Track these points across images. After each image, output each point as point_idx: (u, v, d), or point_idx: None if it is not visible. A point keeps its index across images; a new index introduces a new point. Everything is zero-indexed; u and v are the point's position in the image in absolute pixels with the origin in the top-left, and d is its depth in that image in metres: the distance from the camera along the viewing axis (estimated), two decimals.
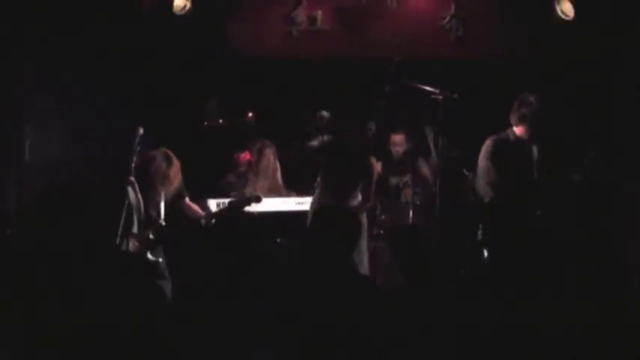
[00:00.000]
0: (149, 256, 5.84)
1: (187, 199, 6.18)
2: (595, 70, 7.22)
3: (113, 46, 7.14)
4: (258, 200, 6.41)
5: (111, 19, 7.06)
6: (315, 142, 6.19)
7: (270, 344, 2.70)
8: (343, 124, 6.17)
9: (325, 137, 6.11)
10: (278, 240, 7.35)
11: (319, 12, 8.01)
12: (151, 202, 5.90)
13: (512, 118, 6.29)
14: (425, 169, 7.74)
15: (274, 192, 6.97)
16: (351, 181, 6.18)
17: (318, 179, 6.39)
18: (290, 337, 2.50)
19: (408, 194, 7.53)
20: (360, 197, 6.26)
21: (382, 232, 7.32)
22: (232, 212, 6.35)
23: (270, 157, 6.97)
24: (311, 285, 2.46)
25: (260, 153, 6.96)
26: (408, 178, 7.60)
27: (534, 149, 6.27)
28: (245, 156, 6.98)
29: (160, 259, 5.93)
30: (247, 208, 6.50)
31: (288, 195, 6.98)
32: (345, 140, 6.15)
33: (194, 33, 7.71)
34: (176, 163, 5.90)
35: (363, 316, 2.93)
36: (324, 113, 6.01)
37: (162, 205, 5.94)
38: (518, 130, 6.30)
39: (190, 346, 3.40)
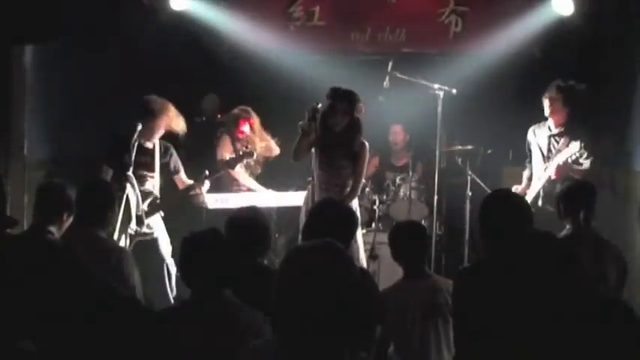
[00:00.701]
0: (144, 229, 5.97)
1: (182, 175, 6.36)
2: (595, 65, 7.21)
3: (112, 43, 7.13)
4: (250, 155, 6.46)
5: (110, 16, 7.05)
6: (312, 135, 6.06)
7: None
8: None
9: (316, 127, 5.92)
10: (276, 235, 7.37)
11: (317, 7, 8.00)
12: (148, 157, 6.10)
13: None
14: (420, 172, 7.75)
15: (269, 150, 7.00)
16: (343, 163, 6.00)
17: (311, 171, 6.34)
18: (285, 333, 2.48)
19: (406, 189, 7.52)
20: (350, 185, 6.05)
21: (380, 226, 7.32)
22: (229, 166, 6.45)
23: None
24: (306, 280, 2.44)
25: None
26: (406, 175, 7.59)
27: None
28: (244, 126, 6.87)
29: (155, 233, 6.08)
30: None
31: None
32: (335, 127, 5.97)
33: (192, 28, 7.71)
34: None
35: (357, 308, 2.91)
36: (317, 105, 5.93)
37: (157, 177, 6.14)
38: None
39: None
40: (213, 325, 3.32)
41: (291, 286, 2.42)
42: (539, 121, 6.65)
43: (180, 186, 6.37)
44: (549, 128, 6.45)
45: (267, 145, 6.94)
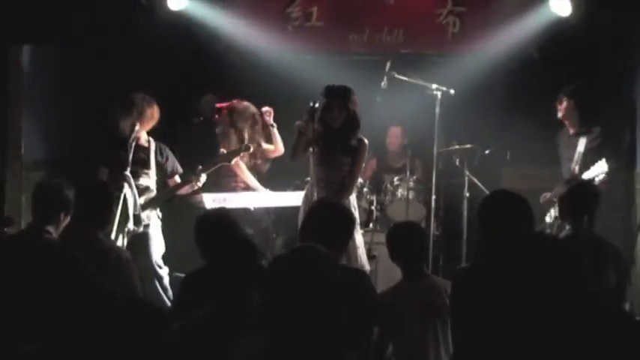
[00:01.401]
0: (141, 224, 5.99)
1: (176, 178, 6.38)
2: (592, 66, 7.21)
3: (109, 43, 7.12)
4: (247, 149, 6.45)
5: (108, 16, 7.04)
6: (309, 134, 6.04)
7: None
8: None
9: (316, 126, 5.98)
10: (274, 236, 7.35)
11: (315, 7, 7.98)
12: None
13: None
14: (419, 172, 7.75)
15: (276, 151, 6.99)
16: (342, 160, 6.01)
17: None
18: (278, 333, 2.50)
19: (404, 190, 7.51)
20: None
21: (378, 226, 7.31)
22: (226, 159, 6.39)
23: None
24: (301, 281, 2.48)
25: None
26: (404, 175, 7.59)
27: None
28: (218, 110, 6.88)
29: (149, 229, 6.08)
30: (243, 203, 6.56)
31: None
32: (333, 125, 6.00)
33: (189, 28, 7.70)
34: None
35: (354, 309, 2.91)
36: (314, 105, 5.95)
37: (152, 174, 6.19)
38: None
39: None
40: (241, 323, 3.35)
41: (274, 293, 2.48)
42: (537, 123, 6.69)
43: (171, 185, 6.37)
44: (568, 130, 6.70)
45: (275, 147, 6.94)
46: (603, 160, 6.06)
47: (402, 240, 4.39)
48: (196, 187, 6.26)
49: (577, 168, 6.41)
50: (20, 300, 3.77)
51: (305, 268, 2.47)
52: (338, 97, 5.95)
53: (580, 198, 4.66)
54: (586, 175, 6.12)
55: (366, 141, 6.05)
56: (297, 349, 2.44)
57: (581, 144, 6.46)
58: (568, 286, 2.96)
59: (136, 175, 6.07)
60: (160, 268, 6.12)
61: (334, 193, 5.88)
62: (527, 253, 3.08)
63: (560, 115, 6.66)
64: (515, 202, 3.71)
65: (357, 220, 6.19)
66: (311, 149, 6.00)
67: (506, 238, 3.49)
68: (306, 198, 6.10)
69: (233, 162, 6.53)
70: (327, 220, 3.98)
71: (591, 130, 6.52)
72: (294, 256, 2.55)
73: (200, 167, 6.25)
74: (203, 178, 6.22)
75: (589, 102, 6.60)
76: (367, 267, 5.97)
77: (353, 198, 6.17)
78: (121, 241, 5.69)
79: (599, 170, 6.06)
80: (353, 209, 6.05)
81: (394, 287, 4.38)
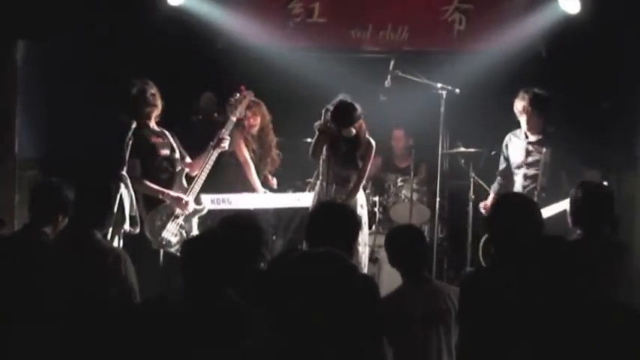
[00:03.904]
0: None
1: (187, 159, 6.30)
2: (602, 64, 7.11)
3: (107, 39, 7.04)
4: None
5: (105, 11, 6.97)
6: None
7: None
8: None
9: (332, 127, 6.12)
10: (274, 237, 7.29)
11: (317, 3, 7.92)
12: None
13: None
14: (423, 175, 7.67)
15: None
16: (353, 159, 6.19)
17: (316, 172, 6.42)
18: (282, 336, 2.48)
19: (407, 191, 7.43)
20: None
21: (381, 228, 7.25)
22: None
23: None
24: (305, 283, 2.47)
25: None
26: (408, 176, 7.51)
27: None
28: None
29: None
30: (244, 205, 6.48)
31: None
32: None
33: (189, 23, 7.61)
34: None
35: (359, 312, 2.86)
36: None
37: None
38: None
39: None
40: (215, 323, 3.36)
41: (292, 296, 2.44)
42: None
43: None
44: (526, 135, 6.38)
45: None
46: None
47: (401, 245, 4.34)
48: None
49: (544, 180, 6.18)
50: (16, 300, 3.79)
51: (334, 288, 2.45)
52: (337, 121, 6.07)
53: (592, 200, 4.53)
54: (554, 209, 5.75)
55: (373, 142, 6.23)
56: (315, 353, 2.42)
57: (547, 154, 6.20)
58: (577, 289, 3.01)
59: (172, 161, 6.08)
60: None
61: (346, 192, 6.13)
62: (537, 256, 3.15)
63: (524, 124, 6.31)
64: (525, 205, 3.74)
65: (365, 219, 6.33)
66: (325, 147, 6.18)
67: (515, 241, 3.48)
68: (318, 197, 6.22)
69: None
70: (333, 223, 3.94)
71: (554, 142, 6.24)
72: (319, 265, 2.50)
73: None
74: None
75: (548, 110, 6.33)
76: (365, 269, 6.11)
77: (362, 197, 6.35)
78: (117, 242, 5.59)
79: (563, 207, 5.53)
80: (360, 207, 6.26)
81: (396, 291, 4.34)
